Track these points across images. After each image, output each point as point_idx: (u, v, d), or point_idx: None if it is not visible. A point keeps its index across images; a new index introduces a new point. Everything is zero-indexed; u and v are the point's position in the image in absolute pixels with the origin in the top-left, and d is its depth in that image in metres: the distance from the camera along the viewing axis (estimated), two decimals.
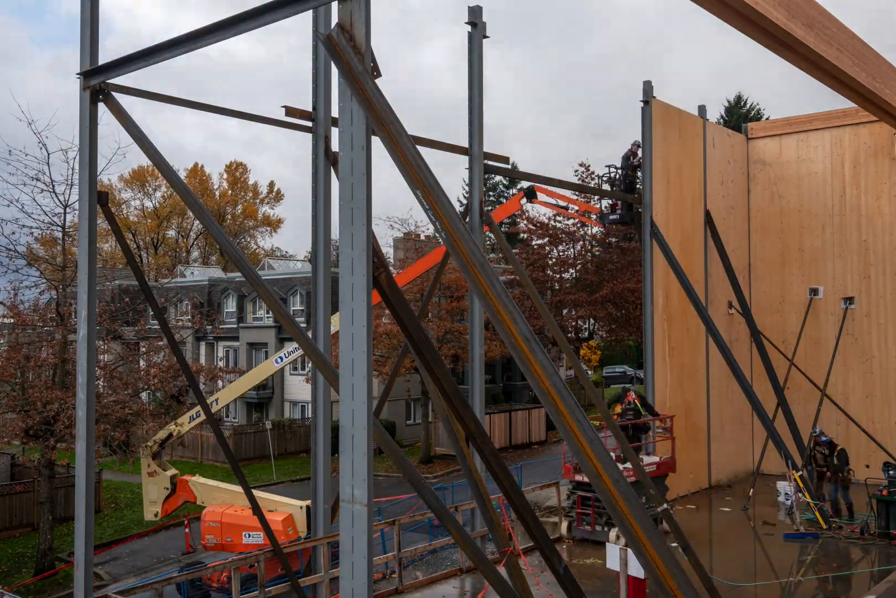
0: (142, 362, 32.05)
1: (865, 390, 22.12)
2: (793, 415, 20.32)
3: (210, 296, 55.32)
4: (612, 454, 8.36)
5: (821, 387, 21.73)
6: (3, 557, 27.46)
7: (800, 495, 17.80)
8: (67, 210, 26.06)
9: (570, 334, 48.83)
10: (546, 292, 47.96)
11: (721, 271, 21.90)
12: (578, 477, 16.42)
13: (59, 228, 26.56)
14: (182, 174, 75.95)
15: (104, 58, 11.12)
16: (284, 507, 21.58)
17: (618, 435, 14.35)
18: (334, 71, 9.44)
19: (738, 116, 60.48)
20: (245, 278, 10.38)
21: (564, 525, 16.87)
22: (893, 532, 16.32)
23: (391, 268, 38.15)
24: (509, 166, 18.09)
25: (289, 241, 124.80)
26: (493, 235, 15.69)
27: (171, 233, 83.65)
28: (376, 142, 7.49)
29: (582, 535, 16.62)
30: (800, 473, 18.29)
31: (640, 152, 20.21)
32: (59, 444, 25.19)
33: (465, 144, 16.09)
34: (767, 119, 48.47)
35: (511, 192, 78.80)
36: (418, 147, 7.63)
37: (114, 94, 11.39)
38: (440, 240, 8.08)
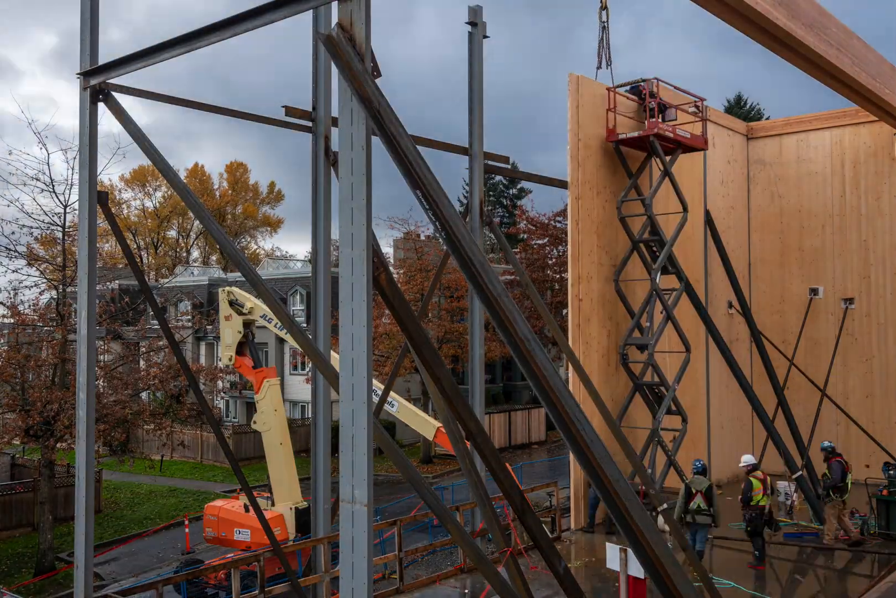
0: (142, 362, 32.06)
1: (865, 390, 22.12)
2: (793, 415, 20.32)
3: (210, 296, 55.33)
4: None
5: (821, 387, 21.73)
6: (3, 557, 27.45)
7: (798, 495, 17.78)
8: (67, 210, 26.09)
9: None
10: (546, 293, 47.93)
11: (721, 271, 21.89)
12: None
13: (60, 228, 26.57)
14: (182, 174, 75.93)
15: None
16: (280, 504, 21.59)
17: (611, 423, 14.36)
18: (334, 71, 9.43)
19: (738, 116, 60.50)
20: (245, 278, 10.38)
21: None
22: None
23: (391, 268, 38.16)
24: (509, 166, 18.08)
25: (288, 240, 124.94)
26: (492, 235, 15.66)
27: (172, 233, 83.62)
28: (376, 142, 7.49)
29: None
30: (798, 474, 18.29)
31: None
32: (59, 444, 25.17)
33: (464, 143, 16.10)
34: (767, 119, 48.52)
35: (511, 192, 78.61)
36: (418, 147, 7.63)
37: (114, 94, 11.39)
38: (440, 240, 8.08)
